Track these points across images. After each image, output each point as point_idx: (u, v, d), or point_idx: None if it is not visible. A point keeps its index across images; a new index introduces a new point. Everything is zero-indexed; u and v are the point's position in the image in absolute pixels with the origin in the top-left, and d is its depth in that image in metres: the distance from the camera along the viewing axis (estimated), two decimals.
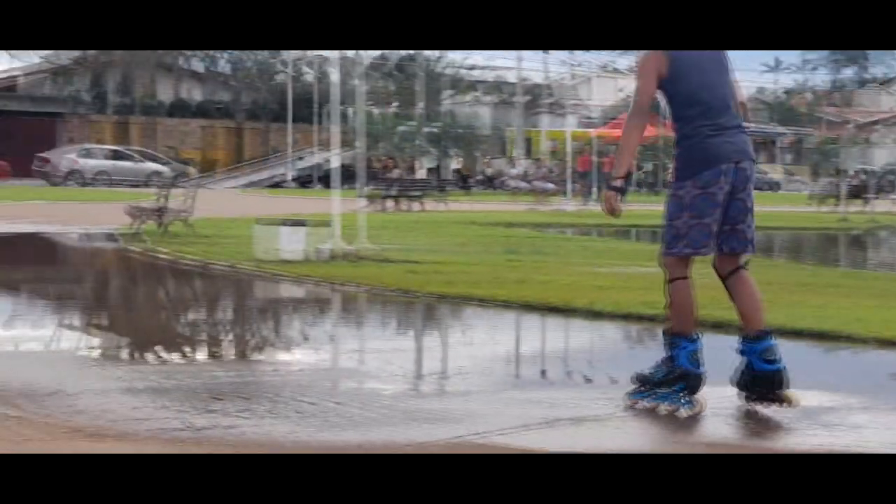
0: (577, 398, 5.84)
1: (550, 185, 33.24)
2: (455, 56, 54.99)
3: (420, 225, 19.42)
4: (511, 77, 55.20)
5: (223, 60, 52.00)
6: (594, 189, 32.32)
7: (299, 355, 7.46)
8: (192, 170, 39.27)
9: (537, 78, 61.97)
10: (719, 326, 8.14)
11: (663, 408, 5.30)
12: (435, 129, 41.95)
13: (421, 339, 8.30)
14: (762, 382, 5.35)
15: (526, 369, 6.80)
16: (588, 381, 6.65)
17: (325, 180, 23.29)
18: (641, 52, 5.45)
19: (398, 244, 14.97)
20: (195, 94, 53.29)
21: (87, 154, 40.26)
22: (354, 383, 6.34)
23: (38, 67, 51.06)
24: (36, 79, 49.73)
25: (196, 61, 54.59)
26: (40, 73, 49.87)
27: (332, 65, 13.57)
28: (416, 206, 26.88)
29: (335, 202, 12.77)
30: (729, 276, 5.48)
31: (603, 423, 5.27)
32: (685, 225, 5.33)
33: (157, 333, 8.48)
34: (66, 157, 39.58)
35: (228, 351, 7.70)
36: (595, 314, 8.75)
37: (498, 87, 57.53)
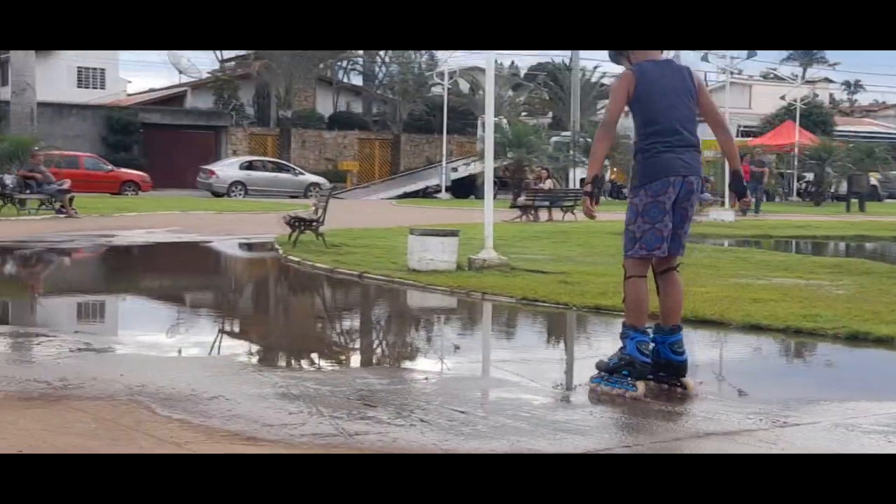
0: (731, 412, 5.72)
1: (707, 195, 32.59)
2: (611, 66, 54.47)
3: (573, 235, 19.32)
4: None
5: (381, 73, 52.86)
6: (753, 199, 31.56)
7: (450, 364, 7.52)
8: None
9: None
10: (882, 342, 7.89)
11: (613, 391, 5.99)
12: (589, 139, 41.65)
13: (572, 350, 8.26)
14: (668, 369, 6.13)
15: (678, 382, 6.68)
16: (743, 394, 6.52)
17: (479, 191, 23.32)
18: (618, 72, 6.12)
19: (551, 254, 14.93)
20: (354, 106, 54.31)
21: (250, 166, 41.42)
22: (504, 393, 6.35)
23: (203, 82, 52.94)
24: (201, 93, 51.49)
25: (354, 75, 55.70)
26: (206, 86, 51.63)
27: (485, 76, 13.59)
28: (569, 216, 26.75)
29: (487, 212, 12.81)
30: (662, 273, 6.20)
31: (755, 437, 5.15)
32: (640, 229, 6.02)
33: (313, 341, 8.66)
34: (230, 170, 40.80)
35: (382, 359, 7.81)
36: (751, 327, 8.57)
37: None
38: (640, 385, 5.98)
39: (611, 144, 6.14)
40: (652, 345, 6.13)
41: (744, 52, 36.24)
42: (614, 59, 6.49)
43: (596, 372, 6.21)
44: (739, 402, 6.13)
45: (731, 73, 34.31)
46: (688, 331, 8.64)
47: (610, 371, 6.11)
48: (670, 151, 5.96)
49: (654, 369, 6.14)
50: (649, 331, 6.13)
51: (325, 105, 52.90)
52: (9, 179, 24.83)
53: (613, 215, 28.99)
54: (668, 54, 6.61)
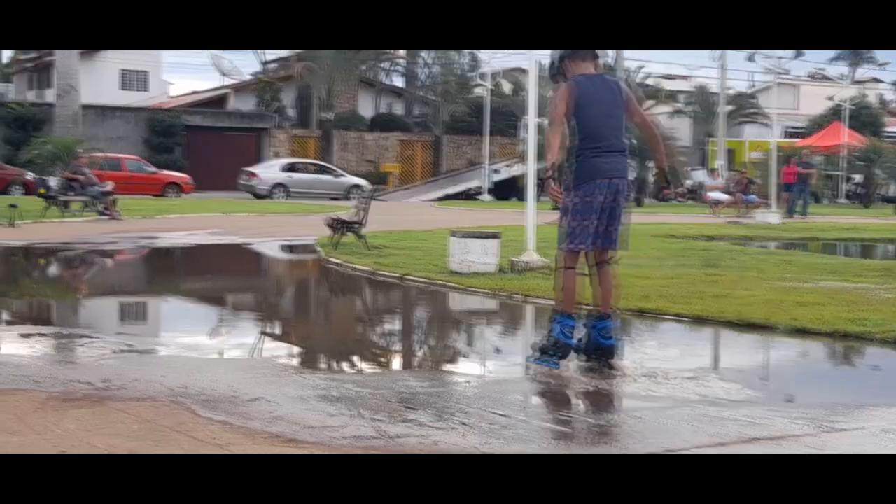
0: (776, 416, 5.63)
1: (754, 197, 32.33)
2: (656, 66, 54.29)
3: None
4: (713, 86, 54.09)
5: (423, 75, 52.91)
6: (799, 202, 31.24)
7: (491, 367, 7.48)
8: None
9: (741, 86, 60.65)
10: None
11: (540, 369, 6.66)
12: (633, 140, 41.45)
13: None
14: (598, 353, 6.77)
15: (722, 386, 6.60)
16: (788, 399, 6.43)
17: (521, 192, 23.25)
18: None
19: None
20: (395, 108, 54.43)
21: (291, 168, 41.61)
22: (546, 397, 6.30)
23: (245, 84, 53.29)
24: (244, 95, 51.82)
25: (396, 76, 55.79)
26: (248, 89, 51.97)
27: (528, 77, 13.53)
28: None
29: (530, 214, 12.75)
30: (598, 265, 6.88)
31: (801, 442, 5.07)
32: (572, 226, 6.69)
33: (354, 343, 8.65)
34: (272, 172, 41.01)
35: (422, 361, 7.78)
36: (797, 331, 8.45)
37: (699, 96, 56.45)
38: (564, 363, 6.70)
39: (562, 136, 6.61)
40: (585, 330, 6.85)
41: (791, 53, 35.92)
42: (551, 76, 7.13)
43: (531, 352, 6.91)
44: (785, 407, 6.04)
45: (778, 73, 33.98)
46: (733, 334, 8.63)
47: (542, 351, 6.77)
48: (599, 157, 6.62)
49: (588, 352, 6.82)
50: (576, 316, 6.80)
51: (366, 107, 53.06)
52: (53, 181, 25.10)
53: (658, 217, 28.93)
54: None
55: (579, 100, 6.61)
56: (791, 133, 53.26)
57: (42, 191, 24.78)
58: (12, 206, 20.97)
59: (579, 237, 6.69)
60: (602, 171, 6.62)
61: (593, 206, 6.62)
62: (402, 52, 50.45)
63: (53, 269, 14.97)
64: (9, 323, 9.46)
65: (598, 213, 6.63)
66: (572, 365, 6.80)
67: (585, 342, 6.83)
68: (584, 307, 7.01)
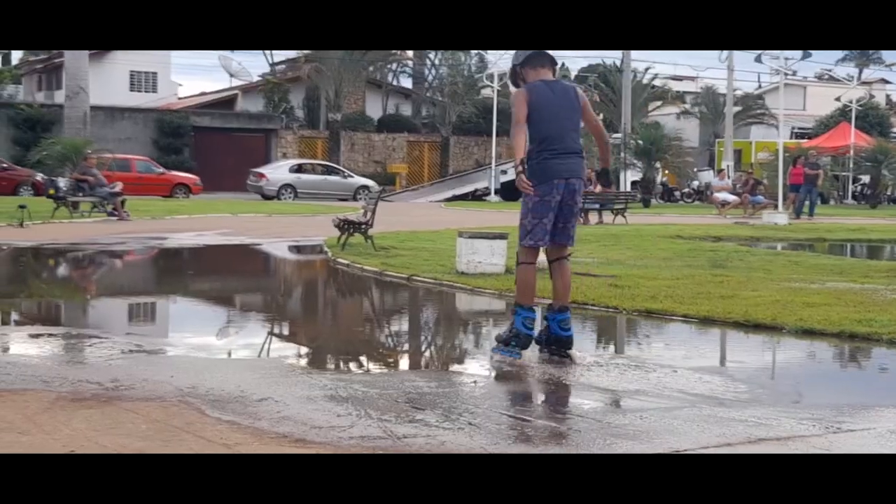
0: (783, 417, 5.64)
1: (761, 198, 32.30)
2: (664, 67, 54.24)
3: (623, 238, 19.20)
4: (721, 87, 54.06)
5: (431, 76, 52.95)
6: (806, 203, 31.20)
7: (498, 369, 7.49)
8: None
9: (748, 87, 60.55)
10: None
11: (504, 358, 7.08)
12: (640, 141, 41.44)
13: (622, 354, 8.20)
14: (557, 343, 7.18)
15: (729, 387, 6.62)
16: (795, 400, 6.43)
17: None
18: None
19: (601, 258, 14.85)
20: (403, 109, 54.45)
21: (299, 169, 41.66)
22: (553, 398, 6.32)
23: (254, 85, 53.35)
24: (252, 96, 51.89)
25: (404, 77, 55.82)
26: (256, 90, 52.02)
27: None
28: (619, 219, 26.63)
29: None
30: (555, 261, 7.27)
31: (808, 443, 5.08)
32: (530, 224, 7.04)
33: (362, 343, 8.67)
34: (280, 173, 41.06)
35: (430, 361, 7.80)
36: (805, 332, 8.46)
37: (706, 96, 56.41)
38: (525, 353, 7.12)
39: (526, 133, 6.89)
40: (544, 321, 7.32)
41: (798, 53, 35.84)
42: (511, 81, 7.52)
43: (495, 343, 7.31)
44: (792, 408, 6.05)
45: (786, 74, 33.96)
46: (740, 335, 8.64)
47: (504, 342, 7.17)
48: (555, 158, 6.93)
49: (547, 343, 7.24)
50: (536, 309, 7.28)
51: (374, 108, 53.09)
52: (62, 182, 25.16)
53: (665, 218, 28.92)
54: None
55: (536, 104, 6.93)
56: (798, 134, 53.21)
57: (51, 192, 24.85)
58: (22, 206, 21.03)
59: (537, 234, 7.06)
60: (558, 171, 6.95)
61: (550, 204, 6.98)
62: (409, 53, 50.53)
63: (62, 270, 15.01)
64: (18, 323, 9.51)
65: (555, 211, 7.01)
66: (534, 355, 7.22)
67: (545, 334, 7.25)
68: (545, 300, 7.60)
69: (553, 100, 7.00)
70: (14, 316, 10.06)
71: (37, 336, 8.17)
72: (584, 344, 8.58)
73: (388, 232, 17.97)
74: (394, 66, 54.10)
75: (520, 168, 6.84)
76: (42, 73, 59.97)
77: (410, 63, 53.44)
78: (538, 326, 7.43)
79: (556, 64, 7.32)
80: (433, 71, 52.72)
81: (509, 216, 26.31)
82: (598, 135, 7.54)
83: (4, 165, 36.69)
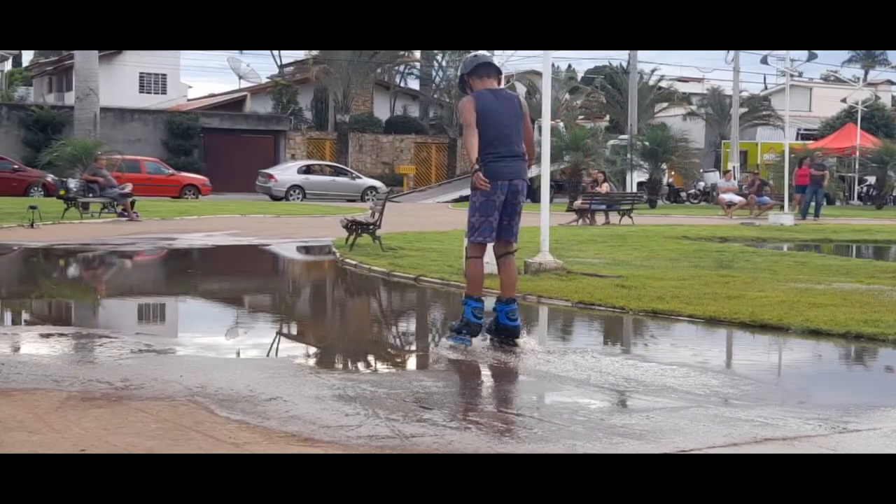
0: (789, 417, 5.67)
1: (767, 199, 32.28)
2: (670, 69, 54.20)
3: (630, 239, 19.22)
4: (727, 88, 54.03)
5: (438, 77, 52.99)
6: (812, 204, 31.17)
7: (505, 369, 7.52)
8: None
9: (754, 89, 60.48)
10: None
11: (454, 345, 7.61)
12: (647, 142, 41.42)
13: (628, 354, 8.22)
14: (504, 332, 7.71)
15: (736, 387, 6.65)
16: (801, 400, 6.45)
17: (534, 194, 23.29)
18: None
19: (607, 258, 14.88)
20: (411, 110, 54.48)
21: (308, 170, 41.72)
22: (560, 397, 6.35)
23: (262, 87, 53.44)
24: (261, 98, 51.98)
25: (411, 79, 55.84)
26: (265, 91, 52.11)
27: (542, 79, 13.55)
28: (626, 219, 26.64)
29: (544, 216, 12.79)
30: (501, 256, 7.82)
31: (814, 443, 5.10)
32: (477, 221, 7.58)
33: (370, 343, 8.71)
34: (288, 174, 41.12)
35: (437, 361, 7.83)
36: (810, 332, 8.48)
37: (712, 98, 56.37)
38: (475, 341, 7.65)
39: (477, 137, 7.37)
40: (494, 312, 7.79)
41: (804, 55, 35.83)
42: (460, 88, 7.94)
43: (449, 332, 7.86)
44: (798, 408, 6.07)
45: (792, 75, 33.92)
46: (746, 335, 8.66)
47: (456, 331, 7.71)
48: (500, 161, 7.42)
49: (496, 332, 7.75)
50: (484, 300, 7.73)
51: (382, 109, 53.15)
52: (72, 183, 25.26)
53: (671, 219, 28.92)
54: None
55: (482, 110, 7.42)
56: (804, 135, 53.15)
57: (62, 192, 24.97)
58: (32, 207, 21.12)
59: (484, 231, 7.60)
60: (502, 173, 7.45)
61: (495, 204, 7.50)
62: (417, 55, 50.56)
63: (73, 270, 15.08)
64: (29, 323, 9.57)
65: (500, 210, 7.54)
66: (483, 343, 7.75)
67: (494, 324, 7.77)
68: (493, 292, 8.14)
69: (498, 107, 7.49)
70: (25, 316, 10.13)
71: (47, 336, 8.22)
72: (594, 343, 8.63)
73: (395, 233, 18.01)
74: (401, 67, 54.16)
75: (476, 167, 7.33)
76: (52, 74, 60.15)
77: (418, 65, 53.48)
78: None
79: (500, 73, 7.98)
80: (440, 72, 52.77)
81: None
82: (529, 142, 7.86)
83: (15, 167, 36.82)
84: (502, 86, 7.96)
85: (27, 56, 74.60)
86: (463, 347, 7.59)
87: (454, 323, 7.89)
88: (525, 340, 7.85)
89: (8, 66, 65.32)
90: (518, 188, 7.59)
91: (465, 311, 7.67)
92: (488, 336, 7.82)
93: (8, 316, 10.24)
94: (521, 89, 50.90)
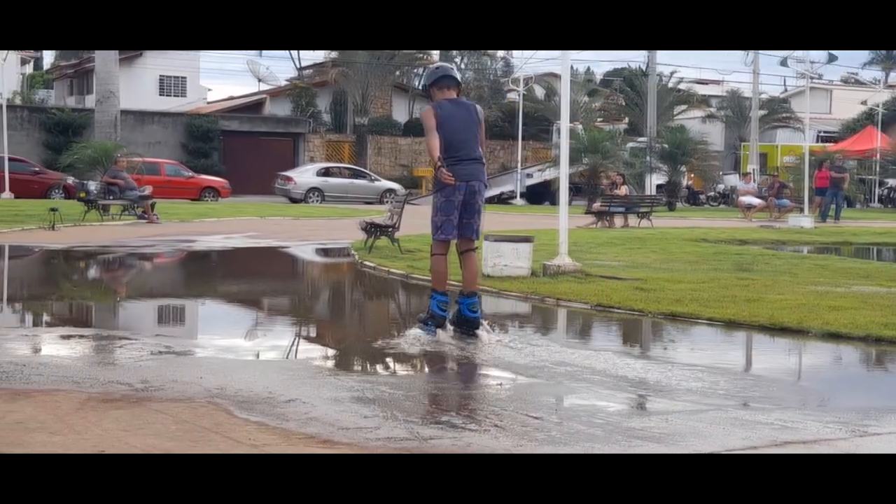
0: (808, 420, 5.65)
1: (786, 201, 32.16)
2: (688, 71, 54.07)
3: (649, 241, 19.17)
4: (746, 90, 53.85)
5: None
6: (832, 206, 31.05)
7: (524, 371, 7.52)
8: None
9: (774, 91, 60.24)
10: None
11: (420, 335, 8.17)
12: (665, 145, 41.33)
13: (647, 356, 8.21)
14: (466, 324, 8.25)
15: (755, 390, 6.63)
16: (821, 403, 6.43)
17: (554, 197, 23.27)
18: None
19: (626, 261, 14.85)
20: None
21: (326, 173, 41.79)
22: (578, 400, 6.35)
23: (281, 90, 53.57)
24: (280, 100, 52.11)
25: None
26: (284, 94, 52.24)
27: (561, 81, 13.55)
28: (644, 222, 26.59)
29: (562, 218, 12.78)
30: (463, 252, 8.38)
31: (834, 446, 5.09)
32: (440, 220, 8.12)
33: (388, 346, 8.71)
34: (307, 176, 41.20)
35: (456, 363, 7.84)
36: (830, 335, 8.44)
37: (731, 100, 56.19)
38: (439, 331, 8.19)
39: (438, 139, 7.95)
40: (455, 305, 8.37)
41: (824, 57, 35.65)
42: (426, 95, 8.55)
43: (417, 323, 8.41)
44: (818, 411, 6.05)
45: (811, 77, 33.79)
46: (765, 338, 8.64)
47: (423, 322, 8.29)
48: (458, 164, 7.99)
49: (458, 323, 8.29)
50: (448, 294, 8.32)
51: (400, 112, 53.21)
52: (93, 185, 25.38)
53: (690, 221, 28.83)
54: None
55: (442, 118, 8.04)
56: (824, 137, 52.88)
57: (82, 195, 25.11)
58: (53, 209, 21.22)
59: (446, 229, 8.16)
60: (460, 175, 8.00)
61: (455, 203, 8.07)
62: (435, 57, 50.59)
63: (93, 272, 15.15)
64: (50, 325, 9.62)
65: (459, 209, 8.09)
66: (447, 334, 8.23)
67: (456, 316, 8.31)
68: (456, 285, 8.73)
69: (457, 114, 8.12)
70: (46, 317, 10.19)
71: (68, 337, 8.27)
72: (612, 343, 8.62)
73: (413, 235, 18.00)
74: (420, 70, 54.21)
75: (439, 164, 7.91)
76: (73, 77, 60.49)
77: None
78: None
79: (460, 85, 8.50)
80: (458, 75, 52.77)
81: (534, 219, 26.33)
82: (482, 144, 8.42)
83: (36, 169, 37.01)
84: (462, 98, 8.54)
85: (48, 59, 75.06)
86: (429, 338, 8.10)
87: (422, 315, 8.41)
88: (484, 332, 8.24)
89: (29, 69, 65.73)
90: (475, 189, 8.14)
91: (432, 304, 8.26)
92: (451, 327, 8.31)
93: (29, 317, 10.30)
94: (539, 92, 50.96)
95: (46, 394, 5.85)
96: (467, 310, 8.25)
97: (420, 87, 9.07)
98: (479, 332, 8.23)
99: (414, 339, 8.16)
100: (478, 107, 8.47)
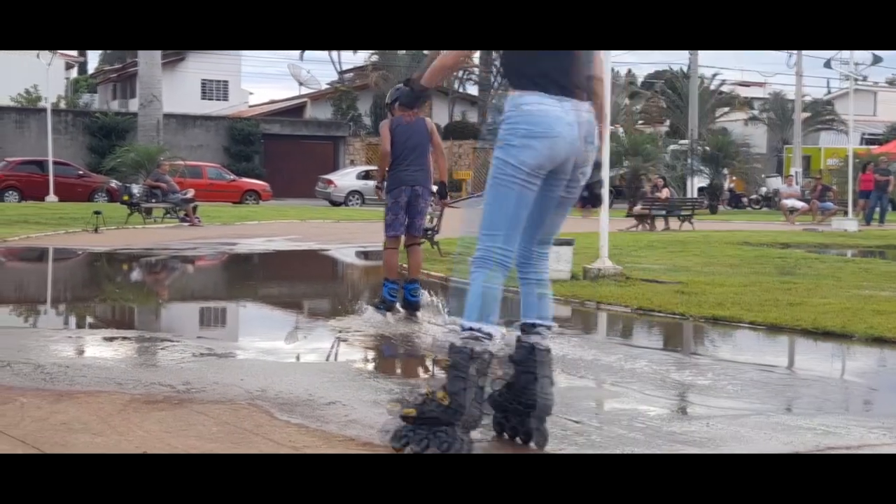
0: (852, 426, 5.59)
1: (830, 204, 31.86)
2: (730, 73, 53.68)
3: (690, 245, 19.06)
4: (789, 93, 53.41)
5: (497, 83, 52.96)
6: (877, 210, 30.72)
7: (564, 375, 7.50)
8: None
9: (817, 93, 59.72)
10: None
11: (372, 315, 9.43)
12: (707, 147, 41.09)
13: (688, 360, 8.15)
14: (409, 307, 9.59)
15: (797, 394, 6.57)
16: (865, 408, 6.36)
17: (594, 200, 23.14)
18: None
19: (667, 264, 14.77)
20: (469, 116, 54.51)
21: (367, 176, 41.92)
22: (619, 404, 6.32)
23: (322, 93, 53.82)
24: (321, 104, 52.35)
25: (470, 84, 55.91)
26: (325, 98, 52.47)
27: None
28: (686, 225, 26.44)
29: (603, 221, 12.74)
30: (409, 246, 9.63)
31: (879, 452, 5.02)
32: (390, 219, 9.39)
33: (427, 349, 8.71)
34: (348, 179, 41.35)
35: (495, 367, 7.83)
36: (874, 340, 8.35)
37: (774, 102, 55.75)
38: (387, 312, 9.40)
39: (388, 160, 9.38)
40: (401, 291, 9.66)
41: (868, 58, 35.30)
42: (389, 111, 9.52)
43: (372, 306, 9.64)
44: (862, 417, 5.98)
45: (856, 79, 33.46)
46: (808, 342, 8.56)
47: (376, 306, 9.54)
48: (404, 171, 9.30)
49: (404, 306, 9.61)
50: (397, 282, 9.57)
51: (440, 115, 53.26)
52: (136, 189, 25.64)
53: (732, 224, 28.66)
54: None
55: (395, 132, 9.30)
56: (868, 140, 52.34)
57: (125, 198, 25.35)
58: (97, 212, 21.45)
59: (395, 227, 9.41)
60: (406, 180, 9.29)
61: (400, 204, 9.32)
62: (476, 60, 50.59)
63: (136, 275, 15.29)
64: (93, 326, 9.72)
65: (405, 209, 9.34)
66: (394, 316, 9.39)
67: (401, 300, 9.59)
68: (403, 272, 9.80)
69: (408, 129, 9.22)
70: (89, 319, 10.29)
71: (111, 339, 8.35)
72: (653, 346, 8.58)
73: (453, 238, 18.00)
74: (460, 73, 54.22)
75: (378, 184, 9.64)
76: (116, 81, 61.12)
77: (476, 70, 53.52)
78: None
79: (416, 105, 9.17)
80: (499, 78, 52.73)
81: (575, 222, 26.12)
82: (439, 152, 9.73)
83: (80, 172, 37.46)
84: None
85: (92, 64, 75.88)
86: (381, 318, 9.31)
87: (376, 300, 9.68)
88: (422, 314, 9.54)
89: (73, 73, 66.48)
90: (418, 192, 9.36)
91: (383, 291, 9.53)
92: (400, 309, 9.58)
93: (73, 319, 10.42)
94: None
95: (90, 395, 5.90)
96: (409, 294, 9.63)
97: (386, 103, 9.55)
98: (418, 314, 9.57)
99: (367, 318, 9.39)
100: (427, 119, 9.69)
